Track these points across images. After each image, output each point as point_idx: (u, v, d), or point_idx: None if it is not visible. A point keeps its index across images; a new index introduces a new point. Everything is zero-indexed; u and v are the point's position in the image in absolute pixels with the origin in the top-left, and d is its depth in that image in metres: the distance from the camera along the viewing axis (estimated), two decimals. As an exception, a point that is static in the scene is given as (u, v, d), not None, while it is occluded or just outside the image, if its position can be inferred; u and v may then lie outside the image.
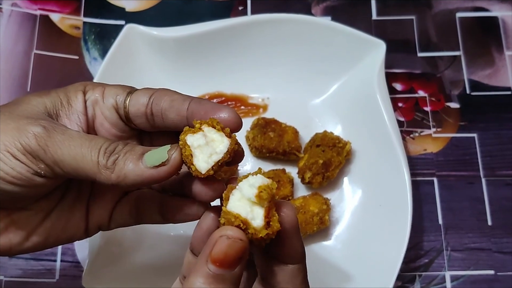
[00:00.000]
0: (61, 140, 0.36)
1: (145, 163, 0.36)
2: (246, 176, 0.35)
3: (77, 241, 0.59)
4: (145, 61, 0.65)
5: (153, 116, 0.40)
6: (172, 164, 0.36)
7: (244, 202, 0.34)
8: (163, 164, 0.35)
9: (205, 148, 0.35)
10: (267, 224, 0.34)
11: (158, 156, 0.36)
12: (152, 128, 0.41)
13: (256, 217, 0.34)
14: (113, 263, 0.58)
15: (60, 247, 0.61)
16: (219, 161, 0.35)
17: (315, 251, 0.61)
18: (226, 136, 0.36)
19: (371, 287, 0.57)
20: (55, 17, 0.71)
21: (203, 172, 0.35)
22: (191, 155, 0.35)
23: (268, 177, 0.64)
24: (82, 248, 0.61)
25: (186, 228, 0.62)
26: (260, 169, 0.36)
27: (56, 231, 0.41)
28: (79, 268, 0.61)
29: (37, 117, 0.37)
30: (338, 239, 0.62)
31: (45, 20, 0.71)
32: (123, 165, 0.36)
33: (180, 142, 0.36)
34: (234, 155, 0.37)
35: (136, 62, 0.65)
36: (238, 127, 0.38)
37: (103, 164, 0.36)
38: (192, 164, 0.35)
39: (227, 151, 0.35)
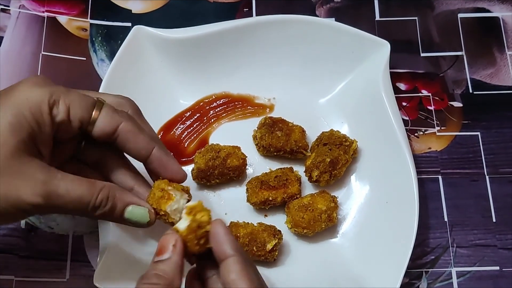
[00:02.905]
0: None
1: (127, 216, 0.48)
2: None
3: (87, 241, 0.61)
4: (152, 62, 0.66)
5: (115, 142, 0.48)
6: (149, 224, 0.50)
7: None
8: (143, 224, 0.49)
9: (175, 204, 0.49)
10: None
11: (140, 216, 0.48)
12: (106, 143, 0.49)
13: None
14: (124, 263, 0.58)
15: (70, 247, 0.61)
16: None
17: (322, 248, 0.62)
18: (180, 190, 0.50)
19: (379, 283, 0.58)
20: (62, 19, 0.72)
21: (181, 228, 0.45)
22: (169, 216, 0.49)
23: (276, 176, 0.64)
24: (92, 248, 0.61)
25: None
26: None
27: None
28: (89, 268, 0.61)
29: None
30: (346, 237, 0.62)
31: (52, 21, 0.71)
32: None
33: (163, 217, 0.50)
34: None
35: (143, 63, 0.65)
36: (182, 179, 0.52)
37: None
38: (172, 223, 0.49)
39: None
